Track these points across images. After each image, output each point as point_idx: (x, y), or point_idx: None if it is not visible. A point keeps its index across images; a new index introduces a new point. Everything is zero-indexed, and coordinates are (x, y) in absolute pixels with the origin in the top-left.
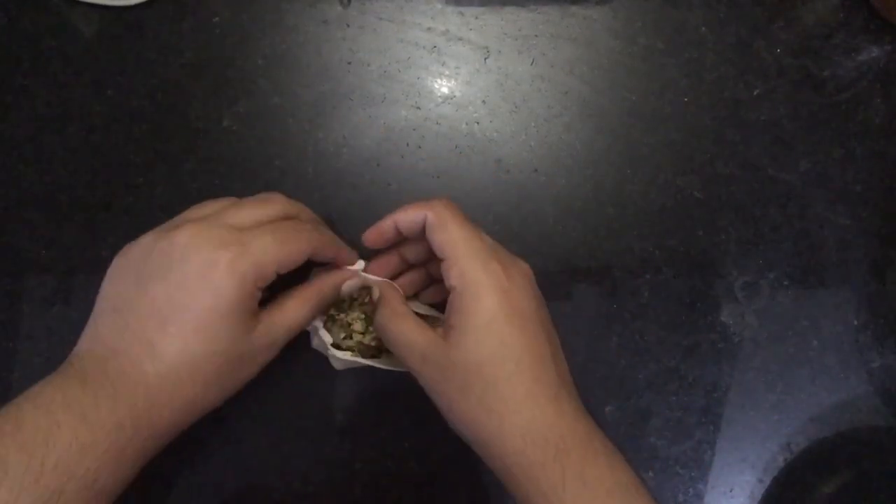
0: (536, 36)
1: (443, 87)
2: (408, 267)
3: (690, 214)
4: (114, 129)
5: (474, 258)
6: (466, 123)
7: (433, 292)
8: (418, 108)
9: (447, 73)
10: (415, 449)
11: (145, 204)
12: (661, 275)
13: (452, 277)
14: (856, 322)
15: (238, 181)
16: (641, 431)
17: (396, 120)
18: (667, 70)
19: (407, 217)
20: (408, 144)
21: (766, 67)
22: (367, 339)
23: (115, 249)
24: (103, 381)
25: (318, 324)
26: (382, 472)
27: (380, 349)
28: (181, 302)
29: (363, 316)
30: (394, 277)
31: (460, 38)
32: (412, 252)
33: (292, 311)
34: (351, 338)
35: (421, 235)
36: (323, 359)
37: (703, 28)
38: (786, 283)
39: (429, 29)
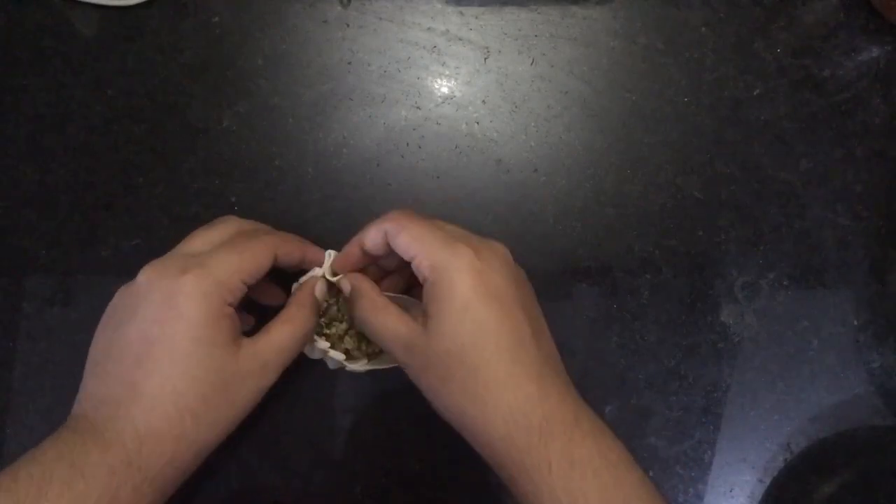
0: (536, 36)
1: (443, 87)
2: (386, 273)
3: (690, 214)
4: (114, 129)
5: (441, 247)
6: (466, 123)
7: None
8: (418, 108)
9: (447, 73)
10: (415, 449)
11: (145, 204)
12: (661, 275)
13: (424, 270)
14: (856, 322)
15: (238, 181)
16: (641, 431)
17: (396, 120)
18: (667, 70)
19: (368, 237)
20: (408, 144)
21: (766, 67)
22: (350, 344)
23: (115, 249)
24: (92, 431)
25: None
26: (382, 472)
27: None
28: (152, 336)
29: (346, 327)
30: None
31: (460, 38)
32: (388, 263)
33: (276, 330)
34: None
35: (390, 250)
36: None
37: (703, 28)
38: (786, 283)
39: (429, 29)
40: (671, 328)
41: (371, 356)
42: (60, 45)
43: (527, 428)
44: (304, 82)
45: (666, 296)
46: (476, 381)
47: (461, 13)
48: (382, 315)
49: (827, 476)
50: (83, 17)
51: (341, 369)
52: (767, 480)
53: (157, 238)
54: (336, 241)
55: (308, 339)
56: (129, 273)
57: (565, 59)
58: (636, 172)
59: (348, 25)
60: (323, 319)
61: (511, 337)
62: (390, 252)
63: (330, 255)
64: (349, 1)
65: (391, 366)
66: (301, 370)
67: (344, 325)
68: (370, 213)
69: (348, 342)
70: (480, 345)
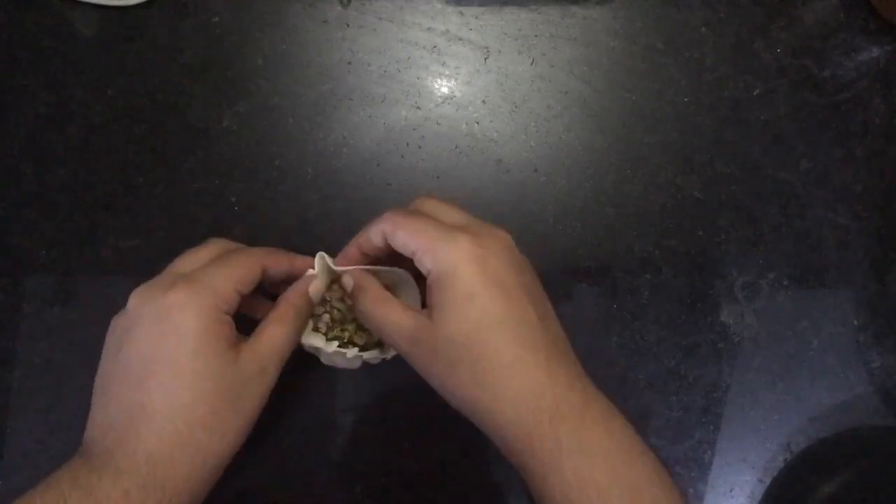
0: (536, 36)
1: (443, 87)
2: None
3: (690, 214)
4: (114, 129)
5: (440, 239)
6: (466, 123)
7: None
8: (418, 108)
9: (447, 73)
10: (415, 449)
11: (145, 204)
12: (661, 275)
13: (426, 263)
14: (856, 322)
15: (238, 181)
16: (641, 431)
17: (396, 120)
18: (667, 70)
19: (366, 238)
20: (408, 144)
21: (766, 67)
22: (350, 335)
23: (115, 249)
24: (104, 456)
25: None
26: (382, 472)
27: (366, 346)
28: (152, 355)
29: (339, 318)
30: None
31: (460, 38)
32: (389, 261)
33: (269, 332)
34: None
35: (389, 250)
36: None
37: (703, 28)
38: (786, 283)
39: (429, 29)
40: (671, 328)
41: (364, 349)
42: (60, 45)
43: (536, 412)
44: (304, 82)
45: (666, 296)
46: (484, 368)
47: (461, 13)
48: (385, 307)
49: (827, 476)
50: (83, 17)
51: (335, 366)
52: (767, 480)
53: (157, 238)
54: (336, 241)
55: (299, 337)
56: (130, 273)
57: (565, 59)
58: (636, 172)
59: (348, 25)
60: (326, 319)
61: (517, 322)
62: (390, 252)
63: (322, 256)
64: (349, 1)
65: (390, 356)
66: (301, 370)
67: (334, 317)
68: (370, 213)
69: (344, 334)
70: (487, 332)
